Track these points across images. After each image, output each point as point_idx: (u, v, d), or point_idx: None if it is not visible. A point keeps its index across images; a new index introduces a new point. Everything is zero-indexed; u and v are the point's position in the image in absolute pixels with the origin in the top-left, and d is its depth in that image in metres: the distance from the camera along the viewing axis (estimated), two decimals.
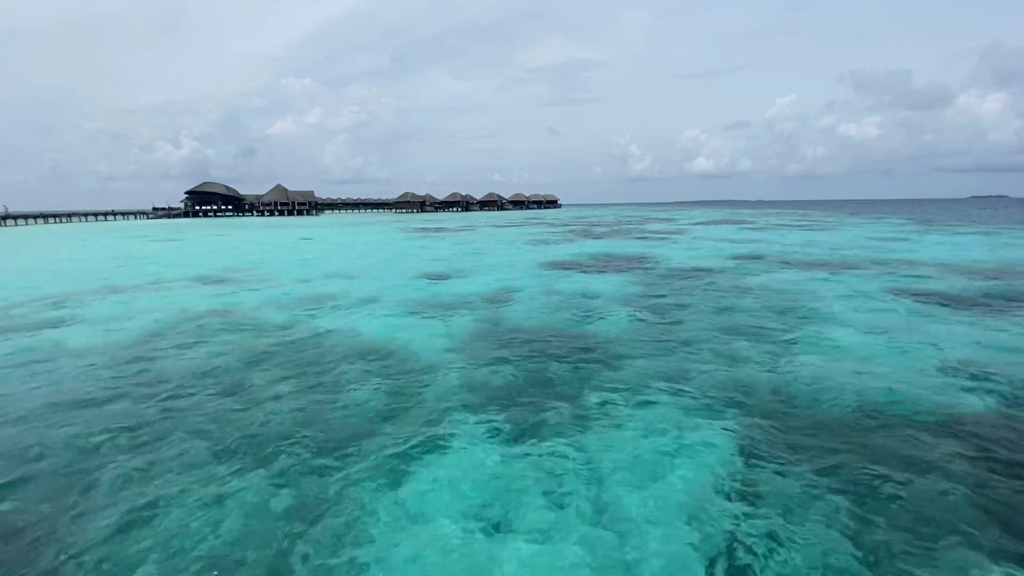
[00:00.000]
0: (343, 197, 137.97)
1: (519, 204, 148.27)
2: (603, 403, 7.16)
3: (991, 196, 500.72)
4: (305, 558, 4.25)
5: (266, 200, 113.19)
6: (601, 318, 12.39)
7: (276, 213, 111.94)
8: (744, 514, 4.69)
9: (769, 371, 8.38)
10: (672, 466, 5.51)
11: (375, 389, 7.85)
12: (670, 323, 11.78)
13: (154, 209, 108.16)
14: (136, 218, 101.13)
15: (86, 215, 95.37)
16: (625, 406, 7.05)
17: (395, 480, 5.34)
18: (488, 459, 5.74)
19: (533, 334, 10.97)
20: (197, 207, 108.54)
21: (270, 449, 6.00)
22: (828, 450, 5.77)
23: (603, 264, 23.20)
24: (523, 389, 7.79)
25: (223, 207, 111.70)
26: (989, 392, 7.35)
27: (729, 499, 4.93)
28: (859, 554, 4.14)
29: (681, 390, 7.61)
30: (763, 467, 5.46)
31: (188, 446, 6.10)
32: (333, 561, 4.21)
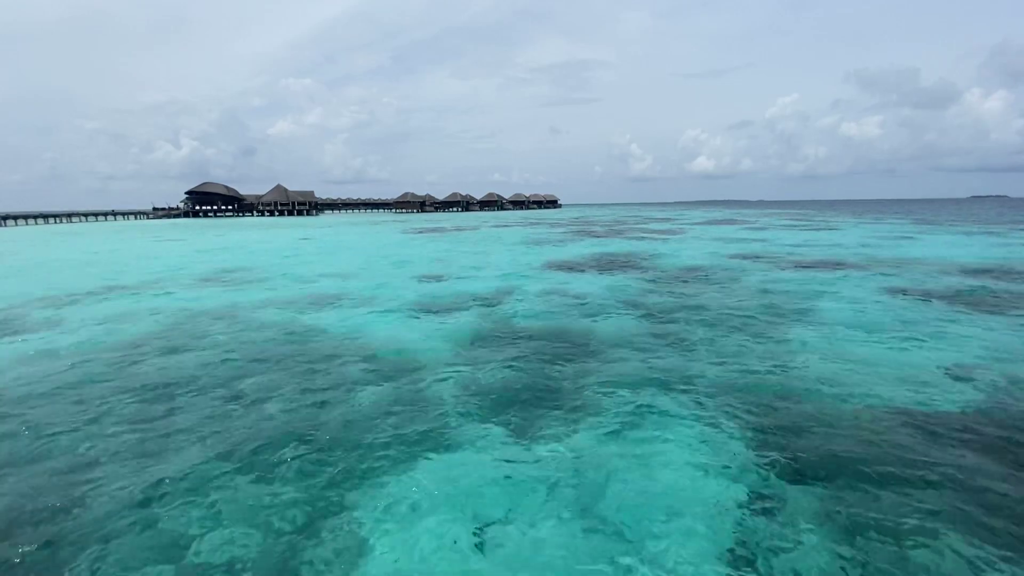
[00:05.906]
0: (343, 197, 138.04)
1: (519, 204, 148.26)
2: (603, 404, 7.15)
3: (991, 196, 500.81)
4: (303, 560, 4.23)
5: (266, 200, 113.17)
6: (601, 318, 12.39)
7: (276, 213, 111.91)
8: (744, 514, 4.68)
9: (769, 371, 8.37)
10: (672, 466, 5.50)
11: (375, 389, 7.84)
12: (670, 323, 11.77)
13: (154, 209, 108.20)
14: (136, 218, 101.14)
15: (86, 215, 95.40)
16: (625, 406, 7.04)
17: (395, 480, 5.33)
18: (488, 460, 5.73)
19: (533, 334, 10.96)
20: (197, 207, 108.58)
21: (270, 450, 5.99)
22: (828, 449, 5.75)
23: (603, 264, 23.19)
24: (523, 390, 7.77)
25: (223, 207, 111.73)
26: (991, 391, 7.34)
27: (729, 499, 4.92)
28: (859, 554, 4.14)
29: (681, 390, 7.59)
30: (763, 467, 5.45)
31: (187, 446, 6.09)
32: (331, 562, 4.20)
